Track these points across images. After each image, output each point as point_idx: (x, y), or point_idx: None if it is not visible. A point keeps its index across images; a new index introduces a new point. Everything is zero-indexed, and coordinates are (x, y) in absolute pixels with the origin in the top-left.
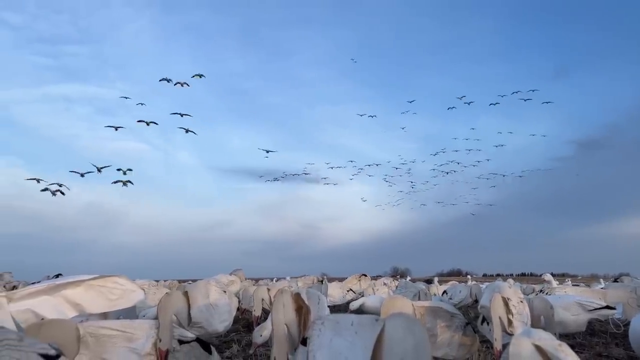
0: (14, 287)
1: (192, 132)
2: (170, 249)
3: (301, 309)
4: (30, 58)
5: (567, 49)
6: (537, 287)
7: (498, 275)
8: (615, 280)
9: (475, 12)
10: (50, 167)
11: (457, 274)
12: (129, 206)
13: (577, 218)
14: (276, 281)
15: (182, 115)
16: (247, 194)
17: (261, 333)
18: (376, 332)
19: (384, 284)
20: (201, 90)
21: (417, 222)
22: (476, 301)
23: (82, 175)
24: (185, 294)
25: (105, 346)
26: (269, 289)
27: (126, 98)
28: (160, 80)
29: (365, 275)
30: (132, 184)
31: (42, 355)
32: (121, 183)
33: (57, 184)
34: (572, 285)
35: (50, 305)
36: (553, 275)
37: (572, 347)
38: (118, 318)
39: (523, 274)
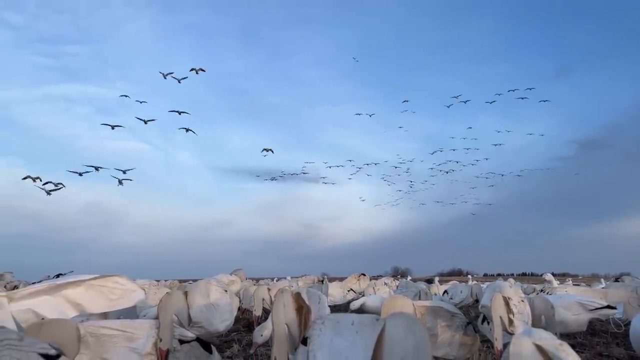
0: (15, 287)
1: (192, 131)
2: (170, 249)
3: (302, 309)
4: (31, 58)
5: (567, 48)
6: (538, 287)
7: (499, 275)
8: (616, 280)
9: (475, 12)
10: (51, 167)
11: (457, 274)
12: (129, 206)
13: (578, 218)
14: (277, 281)
15: (180, 113)
16: (247, 193)
17: (262, 333)
18: (377, 331)
19: (385, 283)
20: (201, 90)
21: (417, 221)
22: (477, 301)
23: (80, 174)
24: (186, 293)
25: (105, 346)
26: (269, 289)
27: (126, 97)
28: (163, 75)
29: (364, 275)
30: (131, 180)
31: (43, 355)
32: (117, 181)
33: (52, 182)
34: (573, 284)
35: (51, 305)
36: (554, 275)
37: (573, 346)
38: (118, 318)
39: (524, 274)
